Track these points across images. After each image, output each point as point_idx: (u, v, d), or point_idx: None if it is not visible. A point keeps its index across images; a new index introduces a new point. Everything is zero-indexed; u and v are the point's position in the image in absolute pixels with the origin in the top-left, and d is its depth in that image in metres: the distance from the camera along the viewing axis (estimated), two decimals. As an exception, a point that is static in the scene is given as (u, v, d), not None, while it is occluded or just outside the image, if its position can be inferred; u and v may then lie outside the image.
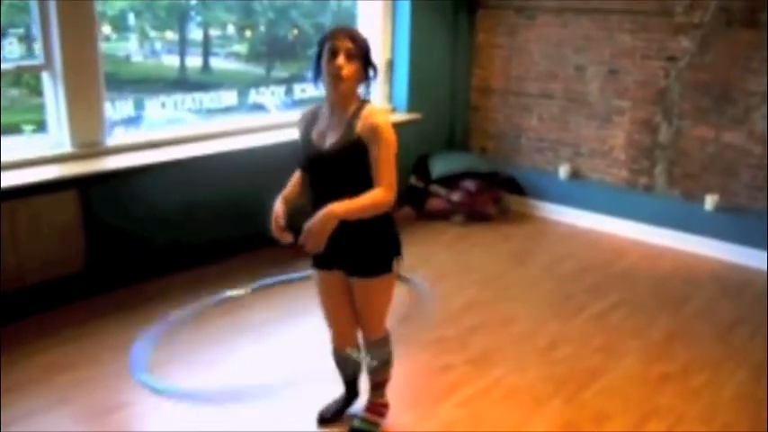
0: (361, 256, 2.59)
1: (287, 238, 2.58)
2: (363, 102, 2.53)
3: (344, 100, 2.49)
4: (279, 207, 2.63)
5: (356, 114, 2.48)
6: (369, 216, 2.46)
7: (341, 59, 2.41)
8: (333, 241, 2.44)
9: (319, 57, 2.47)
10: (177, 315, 3.79)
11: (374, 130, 2.44)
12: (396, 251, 2.64)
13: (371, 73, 2.52)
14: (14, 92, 4.26)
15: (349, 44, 2.42)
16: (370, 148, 2.44)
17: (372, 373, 2.88)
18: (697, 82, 4.85)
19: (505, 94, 5.87)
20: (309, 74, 2.59)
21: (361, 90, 2.54)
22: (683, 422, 3.03)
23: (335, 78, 2.42)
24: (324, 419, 2.96)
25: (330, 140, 2.49)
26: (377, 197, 2.44)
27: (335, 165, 2.49)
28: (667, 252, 5.05)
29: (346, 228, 2.43)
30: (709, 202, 4.91)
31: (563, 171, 5.62)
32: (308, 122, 2.60)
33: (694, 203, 5.01)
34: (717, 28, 4.70)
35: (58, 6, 3.77)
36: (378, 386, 2.91)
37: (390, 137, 2.47)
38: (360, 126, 2.45)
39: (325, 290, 2.75)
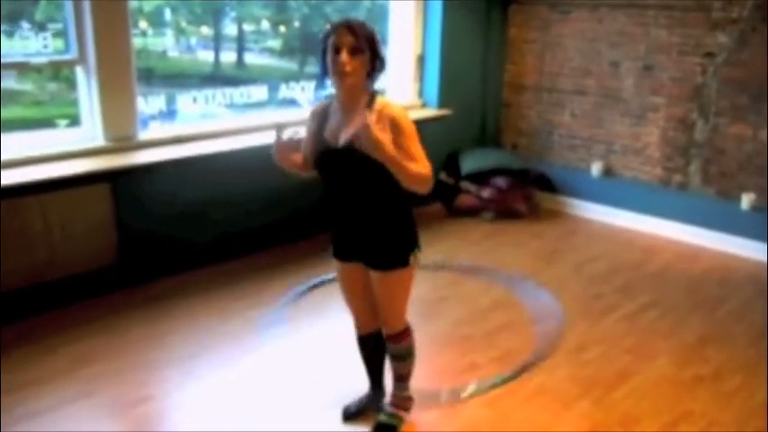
0: (379, 250, 2.59)
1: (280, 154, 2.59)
2: (373, 95, 2.50)
3: (353, 95, 2.47)
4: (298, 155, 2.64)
5: (369, 109, 2.44)
6: (406, 184, 2.42)
7: (344, 56, 2.38)
8: (352, 234, 2.51)
9: (324, 52, 2.44)
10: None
11: (395, 124, 2.43)
12: (413, 245, 2.64)
13: (378, 65, 2.48)
14: (53, 86, 4.33)
15: (351, 39, 2.38)
16: (394, 141, 2.40)
17: (395, 364, 2.87)
18: (734, 79, 4.74)
19: (538, 91, 5.80)
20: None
21: (370, 83, 2.49)
22: (714, 427, 2.96)
23: (341, 75, 2.41)
24: (348, 415, 2.96)
25: (345, 137, 2.48)
26: (419, 168, 2.42)
27: (352, 162, 2.46)
28: (701, 252, 4.95)
29: (365, 221, 2.45)
30: (746, 201, 4.80)
31: (596, 168, 5.54)
32: (320, 119, 2.58)
33: (730, 202, 4.90)
34: (755, 24, 4.59)
35: (92, 2, 3.82)
36: (401, 379, 2.90)
37: (411, 126, 2.47)
38: (377, 116, 2.42)
39: (345, 280, 2.78)
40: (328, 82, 2.49)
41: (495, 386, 3.19)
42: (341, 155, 2.48)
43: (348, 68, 2.38)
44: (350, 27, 2.40)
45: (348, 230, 2.58)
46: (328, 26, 2.46)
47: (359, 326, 2.88)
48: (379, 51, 2.46)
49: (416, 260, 2.65)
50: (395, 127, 2.43)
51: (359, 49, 2.39)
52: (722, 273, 4.61)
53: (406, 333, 2.81)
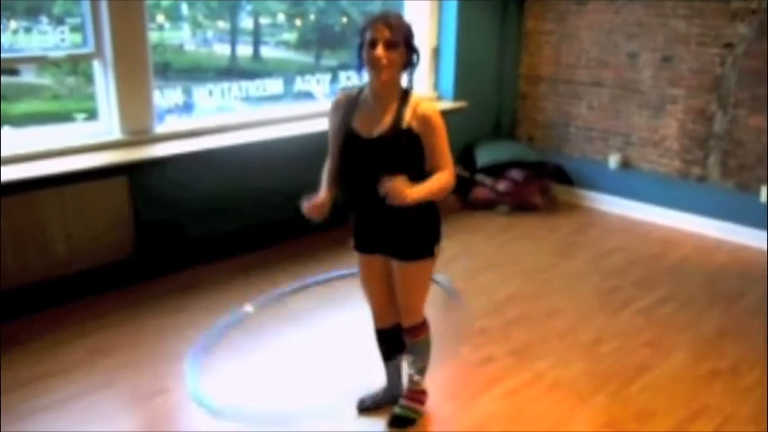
0: (405, 240, 2.61)
1: (317, 216, 2.59)
2: (407, 91, 2.54)
3: (388, 88, 2.50)
4: (324, 194, 2.65)
5: (403, 103, 2.50)
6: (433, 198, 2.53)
7: (380, 50, 2.40)
8: (377, 225, 2.59)
9: (361, 46, 2.46)
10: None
11: (427, 122, 2.48)
12: (438, 236, 2.66)
13: (414, 59, 2.51)
14: (71, 80, 4.37)
15: (387, 33, 2.41)
16: (424, 139, 2.49)
17: (411, 358, 2.88)
18: (754, 70, 4.68)
19: (554, 82, 5.76)
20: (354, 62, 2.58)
21: (404, 77, 2.53)
22: (731, 422, 2.94)
23: (377, 69, 2.43)
24: (363, 408, 2.97)
25: (378, 129, 2.49)
26: (443, 180, 2.50)
27: (384, 154, 2.49)
28: (720, 245, 4.91)
29: (392, 210, 2.44)
30: (765, 193, 4.75)
31: (613, 161, 5.51)
32: (347, 110, 2.58)
33: (749, 195, 4.85)
34: (776, 14, 4.53)
35: (109, -4, 3.84)
36: (417, 372, 2.90)
37: (442, 125, 2.53)
38: (409, 116, 2.48)
39: (366, 272, 2.79)
40: (364, 74, 2.52)
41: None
42: (372, 145, 2.50)
43: (384, 62, 2.41)
44: (387, 21, 2.43)
45: (373, 221, 2.62)
46: (366, 19, 2.49)
47: (377, 319, 2.89)
48: (414, 46, 2.49)
49: (439, 251, 2.68)
50: (426, 125, 2.48)
51: (395, 43, 2.42)
52: (740, 266, 4.57)
53: (423, 326, 2.82)
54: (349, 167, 2.60)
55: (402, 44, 2.44)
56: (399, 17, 2.50)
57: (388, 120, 2.49)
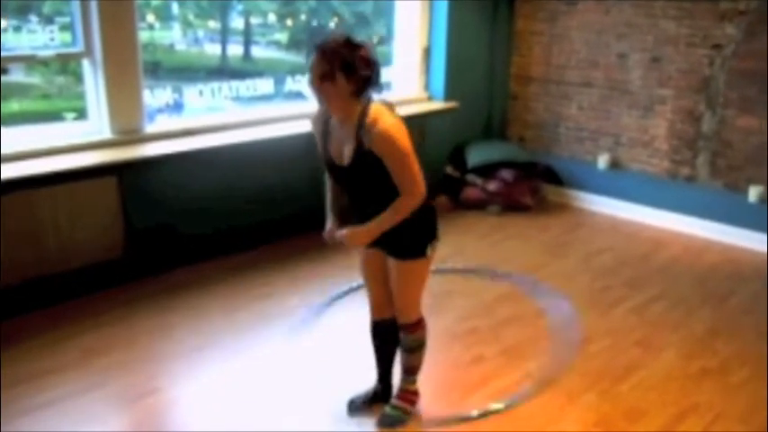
0: (397, 240, 2.61)
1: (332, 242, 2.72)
2: (366, 105, 2.45)
3: (344, 116, 2.47)
4: (330, 225, 2.73)
5: (362, 123, 2.42)
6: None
7: (316, 85, 2.38)
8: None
9: None
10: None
11: (381, 141, 2.39)
12: (431, 237, 2.66)
13: (361, 84, 2.39)
14: (61, 79, 4.35)
15: (320, 67, 2.35)
16: (383, 159, 2.42)
17: (405, 356, 2.88)
18: (742, 70, 4.71)
19: (545, 83, 5.78)
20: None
21: (358, 100, 2.44)
22: (721, 420, 2.96)
23: (320, 102, 2.43)
24: (354, 408, 2.96)
25: (346, 155, 2.49)
26: (401, 207, 2.48)
27: (357, 178, 2.52)
28: (709, 244, 4.93)
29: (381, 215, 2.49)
30: (753, 193, 4.78)
31: (602, 161, 5.53)
32: (322, 130, 2.59)
33: (738, 195, 4.88)
34: (763, 15, 4.55)
35: (98, -5, 3.83)
36: (410, 371, 2.91)
37: (398, 140, 2.41)
38: (368, 138, 2.41)
39: (366, 264, 2.82)
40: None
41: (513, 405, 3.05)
42: (346, 171, 2.53)
43: (322, 96, 2.40)
44: (323, 51, 2.36)
45: (367, 221, 2.60)
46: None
47: (374, 311, 2.89)
48: (360, 72, 2.37)
49: (434, 252, 2.67)
50: (381, 146, 2.39)
51: (330, 74, 2.35)
52: (730, 266, 4.60)
53: (419, 324, 2.82)
54: (336, 183, 2.68)
55: (341, 73, 2.34)
56: (339, 43, 2.37)
57: (351, 146, 2.46)
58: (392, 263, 2.68)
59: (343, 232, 2.57)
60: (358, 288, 3.81)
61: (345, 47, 2.37)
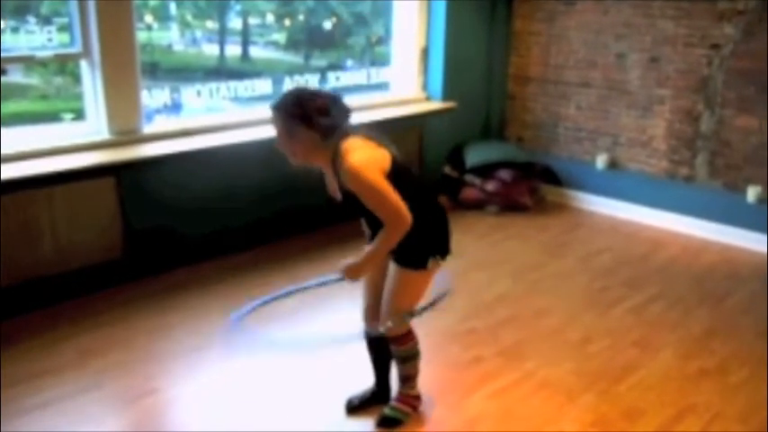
0: (403, 244, 2.52)
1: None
2: (338, 144, 2.46)
3: (314, 161, 2.53)
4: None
5: (335, 162, 2.46)
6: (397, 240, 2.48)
7: (281, 141, 2.47)
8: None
9: None
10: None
11: (350, 179, 2.41)
12: (434, 250, 2.63)
13: (322, 131, 2.42)
14: (59, 80, 4.35)
15: (278, 123, 2.44)
16: (357, 194, 2.44)
17: (399, 366, 2.87)
18: (740, 70, 4.72)
19: (543, 83, 5.78)
20: None
21: (326, 143, 2.46)
22: (719, 420, 2.96)
23: (291, 157, 2.52)
24: (352, 408, 2.96)
25: (336, 192, 2.60)
26: (388, 237, 2.45)
27: (355, 209, 2.56)
28: (708, 245, 4.94)
29: None
30: (752, 193, 4.79)
31: (601, 161, 5.53)
32: (319, 170, 2.66)
33: (736, 195, 4.88)
34: (762, 15, 4.56)
35: (96, -4, 3.82)
36: (405, 379, 2.90)
37: (365, 176, 2.39)
38: (341, 176, 2.46)
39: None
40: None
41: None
42: (344, 204, 2.59)
43: (289, 152, 2.48)
44: (277, 111, 2.45)
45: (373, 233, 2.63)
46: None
47: (366, 318, 2.87)
48: (317, 121, 2.40)
49: (436, 265, 2.65)
50: (353, 183, 2.41)
51: (290, 131, 2.43)
52: (728, 266, 4.60)
53: (408, 336, 2.79)
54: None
55: (300, 127, 2.40)
56: (289, 100, 2.44)
57: (335, 182, 2.56)
58: (391, 266, 2.66)
59: (341, 266, 2.55)
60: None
61: (297, 103, 2.43)
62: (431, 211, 2.65)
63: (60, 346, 3.40)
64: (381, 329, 2.69)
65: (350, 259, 2.53)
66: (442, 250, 2.66)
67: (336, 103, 2.48)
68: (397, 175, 2.47)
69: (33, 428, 2.81)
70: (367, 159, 2.42)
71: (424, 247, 2.61)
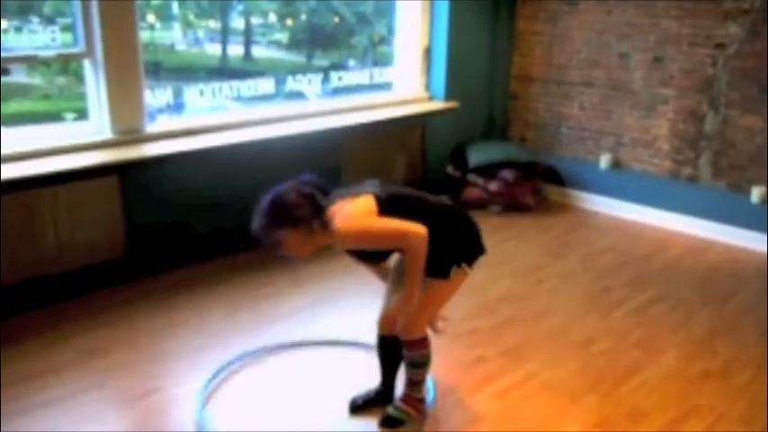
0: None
1: None
2: (323, 218, 2.47)
3: (322, 244, 2.55)
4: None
5: (330, 231, 2.48)
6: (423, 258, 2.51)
7: (280, 250, 2.52)
8: None
9: None
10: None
11: (344, 242, 2.52)
12: (460, 258, 2.64)
13: (308, 221, 2.46)
14: (62, 80, 4.35)
15: (269, 241, 2.50)
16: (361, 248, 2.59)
17: (409, 370, 2.86)
18: (745, 70, 4.70)
19: (546, 83, 5.77)
20: None
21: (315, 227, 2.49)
22: (722, 422, 2.95)
23: (294, 256, 2.57)
24: (355, 407, 2.96)
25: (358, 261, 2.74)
26: (412, 261, 2.49)
27: (374, 257, 2.69)
28: (711, 245, 4.92)
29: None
30: (756, 194, 4.77)
31: (604, 161, 5.52)
32: None
33: (740, 195, 4.87)
34: (767, 14, 4.54)
35: (99, -5, 3.82)
36: (413, 383, 2.90)
37: (354, 234, 2.48)
38: (340, 245, 2.55)
39: (393, 267, 2.84)
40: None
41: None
42: (362, 259, 2.74)
43: (290, 252, 2.53)
44: (260, 231, 2.51)
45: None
46: None
47: (382, 323, 2.87)
48: (299, 216, 2.44)
49: (463, 273, 2.66)
50: (348, 245, 2.56)
51: (279, 240, 2.47)
52: (732, 266, 4.59)
53: (423, 343, 2.78)
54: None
55: (286, 230, 2.45)
56: (263, 215, 2.51)
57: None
58: None
59: (402, 325, 2.66)
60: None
61: (271, 213, 2.48)
62: (444, 221, 2.64)
63: (62, 346, 3.40)
64: (398, 329, 2.71)
65: (399, 303, 2.62)
66: (467, 257, 2.66)
67: (304, 186, 2.50)
68: (390, 206, 2.50)
69: (35, 428, 2.81)
70: (348, 216, 2.46)
71: (447, 254, 2.60)
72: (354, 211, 2.47)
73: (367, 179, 2.68)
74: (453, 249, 2.64)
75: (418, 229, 2.43)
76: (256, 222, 2.50)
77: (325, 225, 2.47)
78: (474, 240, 2.73)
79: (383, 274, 2.89)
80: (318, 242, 2.52)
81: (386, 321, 2.85)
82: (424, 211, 2.57)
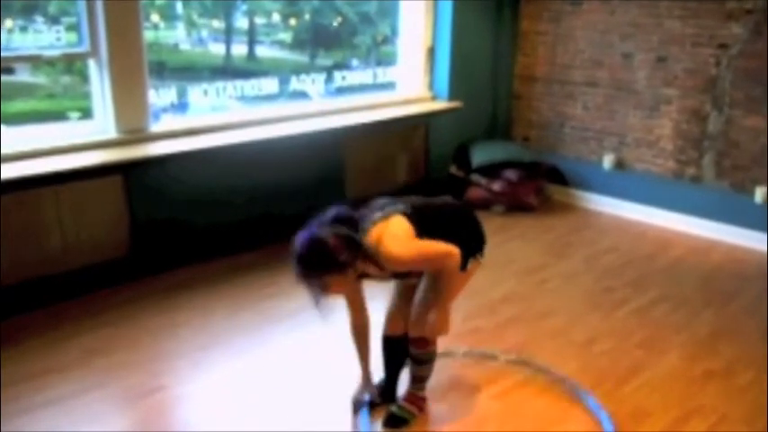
0: None
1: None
2: (360, 249, 2.46)
3: (364, 280, 2.65)
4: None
5: (372, 259, 2.48)
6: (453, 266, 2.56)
7: (326, 294, 2.48)
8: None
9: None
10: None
11: (395, 265, 2.52)
12: (474, 250, 2.70)
13: (352, 262, 2.46)
14: (66, 79, 4.36)
15: (316, 287, 2.45)
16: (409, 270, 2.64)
17: (414, 367, 2.88)
18: (749, 70, 4.70)
19: (549, 83, 5.77)
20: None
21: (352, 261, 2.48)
22: (725, 422, 2.95)
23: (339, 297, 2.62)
24: (358, 405, 2.96)
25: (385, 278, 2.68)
26: (448, 277, 2.56)
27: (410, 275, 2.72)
28: (714, 245, 4.92)
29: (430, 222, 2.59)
30: (759, 194, 4.77)
31: (607, 161, 5.52)
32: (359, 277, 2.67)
33: (743, 196, 4.86)
34: (771, 14, 4.54)
35: (104, -5, 3.84)
36: (417, 380, 2.91)
37: (403, 253, 2.48)
38: (388, 266, 2.52)
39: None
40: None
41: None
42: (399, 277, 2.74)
43: (336, 295, 2.56)
44: (304, 278, 2.45)
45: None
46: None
47: (389, 324, 2.89)
48: (343, 260, 2.41)
49: (477, 263, 2.72)
50: (395, 266, 2.53)
51: (327, 285, 2.45)
52: (735, 267, 4.58)
53: (432, 340, 2.81)
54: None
55: (332, 275, 2.43)
56: (304, 261, 2.45)
57: (384, 274, 2.60)
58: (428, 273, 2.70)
59: (432, 333, 2.69)
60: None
61: (315, 261, 2.42)
62: (458, 220, 2.74)
63: (65, 345, 3.41)
64: (429, 323, 2.71)
65: (431, 319, 2.65)
66: (479, 248, 2.74)
67: (339, 228, 2.46)
68: (420, 223, 2.55)
69: (36, 427, 2.82)
70: (395, 239, 2.47)
71: (463, 248, 2.61)
72: (400, 235, 2.49)
73: (374, 198, 2.68)
74: (468, 244, 2.67)
75: (455, 253, 2.51)
76: (298, 270, 2.46)
77: (368, 257, 2.48)
78: (480, 230, 2.80)
79: (406, 288, 2.88)
80: (358, 281, 2.63)
81: (393, 322, 2.87)
82: (441, 217, 2.70)
